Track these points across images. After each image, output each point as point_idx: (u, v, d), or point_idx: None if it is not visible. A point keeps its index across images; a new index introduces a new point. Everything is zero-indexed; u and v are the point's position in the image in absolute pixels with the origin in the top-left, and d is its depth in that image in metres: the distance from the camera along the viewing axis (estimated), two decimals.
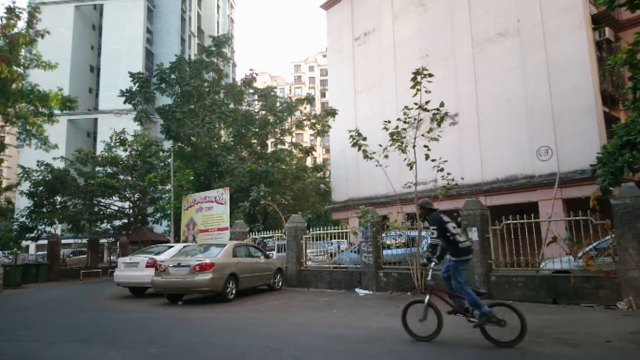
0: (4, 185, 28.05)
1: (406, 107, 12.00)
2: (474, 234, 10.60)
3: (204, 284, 10.92)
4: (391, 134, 12.36)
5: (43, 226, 26.33)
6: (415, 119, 11.87)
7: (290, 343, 6.56)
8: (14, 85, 18.90)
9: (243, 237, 16.86)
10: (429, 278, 6.25)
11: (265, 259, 13.75)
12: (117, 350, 6.42)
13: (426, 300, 6.12)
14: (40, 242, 28.36)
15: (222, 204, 19.32)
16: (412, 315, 6.21)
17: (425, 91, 11.65)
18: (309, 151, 32.44)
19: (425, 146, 11.65)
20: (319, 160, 65.97)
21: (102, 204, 28.57)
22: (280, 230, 17.18)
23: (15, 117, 20.45)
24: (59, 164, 26.87)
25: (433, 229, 6.20)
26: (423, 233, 12.11)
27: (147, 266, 13.09)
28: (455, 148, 20.05)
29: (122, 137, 28.08)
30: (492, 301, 6.36)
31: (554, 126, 18.05)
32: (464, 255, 6.09)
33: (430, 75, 11.75)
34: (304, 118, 29.67)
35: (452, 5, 22.00)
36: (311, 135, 35.67)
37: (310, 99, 29.92)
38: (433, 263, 6.22)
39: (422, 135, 11.93)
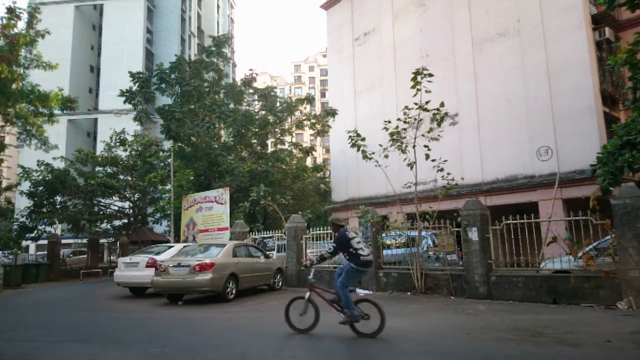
0: (4, 185, 28.06)
1: (406, 107, 11.99)
2: (474, 234, 10.61)
3: (204, 284, 10.92)
4: (391, 134, 12.36)
5: (43, 226, 26.33)
6: (415, 119, 11.87)
7: (290, 343, 6.56)
8: (14, 86, 18.89)
9: (243, 237, 16.86)
10: (311, 277, 7.18)
11: (265, 259, 13.76)
12: (117, 350, 6.42)
13: (306, 297, 6.89)
14: (40, 242, 28.36)
15: (222, 204, 19.32)
16: (294, 310, 6.99)
17: (426, 91, 11.65)
18: (309, 151, 32.42)
19: (426, 146, 11.65)
20: (319, 160, 65.98)
21: (102, 204, 28.58)
22: (280, 230, 17.19)
23: (16, 117, 20.44)
24: (59, 164, 26.87)
25: (332, 246, 6.93)
26: (423, 233, 12.12)
27: (147, 266, 13.09)
28: (455, 148, 20.04)
29: (122, 137, 28.09)
30: (358, 298, 7.01)
31: (554, 126, 18.05)
32: (364, 267, 6.80)
33: (431, 75, 11.74)
34: (304, 118, 29.65)
35: (452, 5, 22.00)
36: (311, 135, 35.69)
37: (310, 99, 29.89)
38: (314, 265, 7.34)
39: (422, 135, 11.93)
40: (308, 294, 6.92)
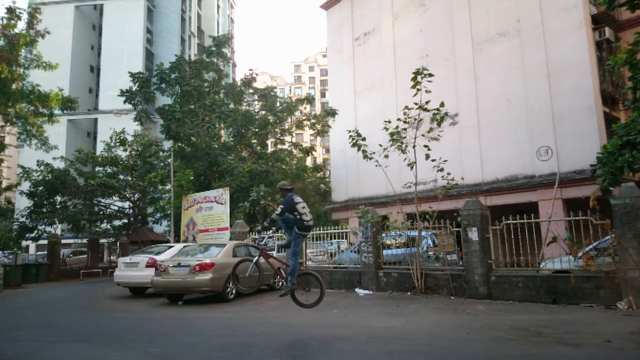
0: (4, 185, 28.04)
1: (406, 107, 12.00)
2: (474, 234, 10.61)
3: (204, 284, 10.92)
4: (391, 134, 12.36)
5: (43, 226, 26.33)
6: (415, 119, 11.87)
7: (290, 343, 6.56)
8: (14, 85, 18.90)
9: (243, 237, 16.85)
10: (262, 243, 7.58)
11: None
12: (117, 350, 6.42)
13: (254, 260, 7.35)
14: (40, 242, 28.35)
15: (222, 204, 19.31)
16: (240, 271, 7.64)
17: (426, 91, 11.65)
18: (309, 151, 32.39)
19: (426, 146, 11.65)
20: (319, 160, 65.97)
21: (102, 204, 28.58)
22: (280, 231, 17.16)
23: (16, 117, 20.44)
24: (59, 164, 26.87)
25: (280, 207, 7.16)
26: (423, 233, 12.12)
27: (147, 266, 13.10)
28: (455, 148, 20.05)
29: (122, 137, 28.09)
30: (302, 270, 7.58)
31: (554, 126, 18.05)
32: (306, 231, 7.29)
33: (431, 75, 11.74)
34: (304, 118, 29.65)
35: (452, 5, 22.00)
36: (311, 135, 35.68)
37: (310, 99, 29.89)
38: (266, 231, 7.62)
39: (422, 135, 11.93)
40: (257, 257, 7.36)
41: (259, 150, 29.96)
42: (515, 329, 6.97)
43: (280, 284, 14.04)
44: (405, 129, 12.21)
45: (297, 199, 7.21)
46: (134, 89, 26.93)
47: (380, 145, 12.37)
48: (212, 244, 13.13)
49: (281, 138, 30.77)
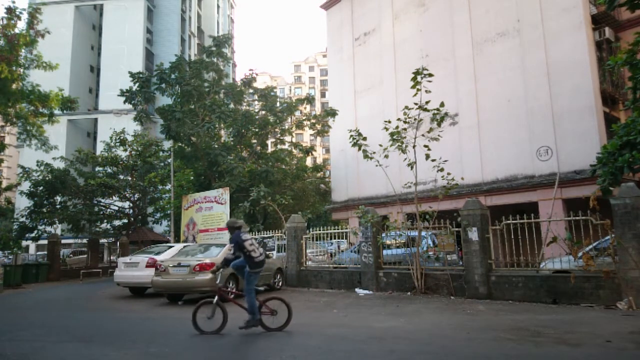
0: (4, 185, 28.02)
1: (406, 107, 12.01)
2: (474, 234, 10.61)
3: (204, 284, 10.92)
4: (391, 134, 12.36)
5: (43, 226, 26.31)
6: (415, 119, 11.88)
7: (290, 343, 6.56)
8: (14, 86, 18.90)
9: None
10: (218, 281, 7.49)
11: (265, 259, 13.73)
12: (117, 350, 6.42)
13: (215, 300, 7.10)
14: (40, 242, 28.34)
15: (222, 204, 19.32)
16: (202, 313, 7.09)
17: (426, 91, 11.65)
18: (309, 151, 32.40)
19: (426, 146, 11.65)
20: (319, 160, 65.98)
21: (102, 204, 28.57)
22: (280, 230, 17.19)
23: (16, 117, 20.43)
24: (59, 164, 26.86)
25: (231, 246, 7.24)
26: (423, 233, 12.12)
27: (147, 266, 13.09)
28: (455, 148, 20.06)
29: (122, 137, 28.07)
30: (268, 296, 7.50)
31: (554, 126, 18.05)
32: (257, 268, 7.28)
33: (431, 75, 11.75)
34: (304, 118, 29.66)
35: (452, 5, 22.00)
36: (311, 135, 35.71)
37: (310, 99, 29.87)
38: (220, 270, 7.49)
39: (422, 135, 11.94)
40: (216, 298, 7.11)
41: (259, 150, 29.96)
42: (515, 329, 6.97)
43: (280, 283, 14.08)
44: (405, 129, 12.21)
45: (245, 236, 7.24)
46: (134, 89, 26.92)
47: (380, 145, 12.37)
48: (212, 244, 13.13)
49: (281, 138, 30.78)
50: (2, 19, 17.93)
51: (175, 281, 11.17)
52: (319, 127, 29.02)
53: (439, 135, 11.97)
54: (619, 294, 8.67)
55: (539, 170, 18.35)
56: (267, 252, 14.95)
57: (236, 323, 7.20)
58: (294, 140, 33.63)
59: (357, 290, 12.59)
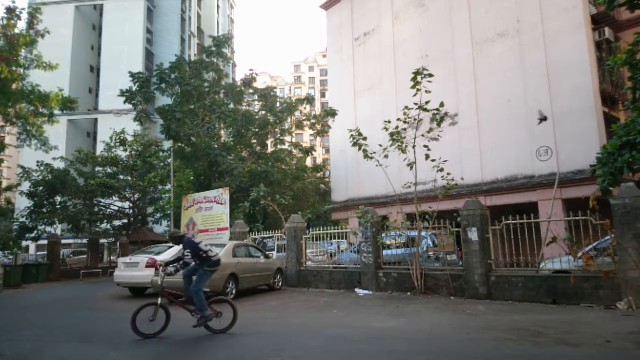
0: (4, 185, 28.05)
1: (406, 107, 12.01)
2: (473, 234, 10.61)
3: None
4: (391, 134, 12.36)
5: (43, 226, 26.30)
6: (415, 119, 11.89)
7: (290, 343, 6.57)
8: (14, 85, 18.90)
9: (243, 237, 16.86)
10: (161, 282, 7.21)
11: (265, 259, 13.76)
12: (117, 350, 6.43)
13: (158, 302, 6.95)
14: (40, 242, 28.34)
15: (221, 204, 19.33)
16: (143, 316, 6.87)
17: (425, 91, 11.66)
18: (308, 151, 32.42)
19: (425, 146, 11.65)
20: (319, 160, 65.98)
21: (102, 204, 28.56)
22: (280, 230, 17.19)
23: (15, 117, 20.43)
24: (59, 164, 26.85)
25: (187, 252, 7.18)
26: (423, 233, 12.12)
27: (147, 266, 13.08)
28: (455, 148, 20.05)
29: (122, 137, 28.06)
30: (214, 298, 7.42)
31: (553, 126, 18.05)
32: (216, 266, 7.34)
33: (430, 75, 11.76)
34: (303, 118, 29.66)
35: (452, 5, 22.00)
36: (311, 135, 35.68)
37: (310, 99, 29.90)
38: (163, 269, 7.32)
39: (422, 135, 11.94)
40: (159, 299, 6.98)
41: (259, 150, 29.97)
42: (515, 329, 6.97)
43: (280, 283, 14.07)
44: (405, 129, 12.21)
45: (197, 239, 7.35)
46: (133, 89, 26.93)
47: (380, 145, 12.37)
48: (212, 244, 13.10)
49: (281, 138, 30.79)
50: (2, 18, 17.93)
51: (174, 281, 11.11)
52: (318, 127, 29.03)
53: (438, 135, 11.97)
54: (619, 294, 8.68)
55: (538, 170, 18.35)
56: (267, 252, 14.98)
57: (235, 325, 7.20)
58: (293, 140, 33.64)
59: (356, 290, 12.59)
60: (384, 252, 12.86)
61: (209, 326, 7.09)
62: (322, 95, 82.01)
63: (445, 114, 12.33)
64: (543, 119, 16.42)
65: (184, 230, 20.98)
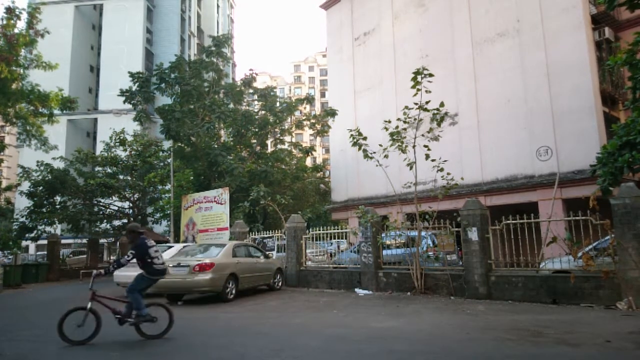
0: (4, 185, 28.04)
1: (406, 107, 12.01)
2: (473, 234, 10.61)
3: (203, 284, 10.92)
4: (391, 134, 12.36)
5: (43, 226, 26.31)
6: (415, 119, 11.88)
7: (290, 343, 6.56)
8: (14, 85, 18.91)
9: (243, 237, 16.86)
10: (91, 286, 6.71)
11: (265, 259, 13.76)
12: (117, 350, 6.43)
13: (88, 306, 6.58)
14: (40, 242, 28.36)
15: (221, 204, 19.32)
16: (71, 321, 6.50)
17: (426, 91, 11.65)
18: (308, 151, 32.41)
19: (425, 146, 11.65)
20: (319, 160, 65.98)
21: (102, 204, 28.57)
22: (280, 230, 17.19)
23: (15, 117, 20.45)
24: (59, 164, 26.86)
25: (131, 252, 6.86)
26: (423, 233, 12.12)
27: None
28: (455, 148, 20.05)
29: (121, 137, 28.08)
30: (149, 301, 7.07)
31: (554, 126, 18.05)
32: (156, 276, 7.03)
33: (431, 75, 11.75)
34: (303, 118, 29.66)
35: (452, 6, 22.00)
36: (311, 135, 35.68)
37: (310, 99, 29.88)
38: (98, 274, 6.84)
39: (422, 135, 11.94)
40: (89, 303, 6.60)
41: (259, 150, 29.96)
42: (515, 329, 6.97)
43: (280, 284, 14.06)
44: (405, 129, 12.21)
45: (150, 242, 7.02)
46: (133, 88, 26.92)
47: (380, 145, 12.37)
48: (212, 244, 13.12)
49: (281, 138, 30.78)
50: (2, 18, 17.94)
51: (175, 281, 11.15)
52: (318, 127, 29.02)
53: (438, 135, 11.97)
54: (619, 294, 8.67)
55: (538, 170, 18.34)
56: (267, 252, 14.97)
57: (235, 325, 7.19)
58: (293, 140, 33.62)
59: (356, 290, 12.59)
60: (384, 252, 12.85)
61: (142, 331, 6.82)
62: (322, 95, 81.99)
63: (446, 114, 12.32)
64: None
65: (184, 231, 21.02)
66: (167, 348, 6.50)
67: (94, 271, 6.96)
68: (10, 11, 17.97)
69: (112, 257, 32.05)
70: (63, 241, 28.50)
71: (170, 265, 11.32)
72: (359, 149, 13.14)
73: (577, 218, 9.69)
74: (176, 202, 22.51)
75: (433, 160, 11.63)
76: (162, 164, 27.64)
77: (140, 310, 6.76)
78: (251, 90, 30.92)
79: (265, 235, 17.37)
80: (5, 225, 26.52)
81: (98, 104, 50.85)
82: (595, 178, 10.14)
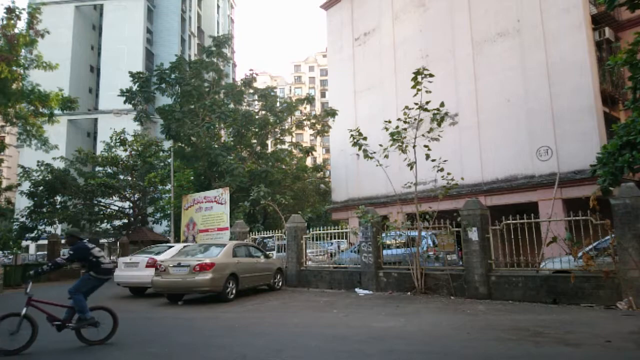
0: (4, 185, 28.04)
1: (406, 107, 12.01)
2: (474, 234, 10.61)
3: (204, 284, 10.92)
4: (391, 134, 12.35)
5: (43, 226, 26.32)
6: (415, 119, 11.88)
7: (290, 343, 6.56)
8: (14, 85, 18.92)
9: (243, 237, 16.86)
10: (28, 290, 6.32)
11: (265, 259, 13.75)
12: (116, 350, 6.43)
13: (23, 312, 6.16)
14: (40, 242, 28.37)
15: (222, 204, 19.32)
16: (3, 329, 6.05)
17: (426, 91, 11.65)
18: (309, 151, 32.42)
19: (426, 146, 11.65)
20: (319, 160, 65.96)
21: (102, 204, 28.58)
22: (280, 230, 17.19)
23: (16, 117, 20.46)
24: (59, 164, 26.87)
25: (69, 253, 6.75)
26: (423, 233, 12.12)
27: (147, 266, 13.08)
28: (455, 148, 20.04)
29: (122, 137, 28.07)
30: (93, 305, 6.80)
31: (554, 126, 18.05)
32: (105, 275, 6.88)
33: (431, 75, 11.76)
34: (304, 118, 29.66)
35: (452, 5, 21.99)
36: (311, 135, 35.68)
37: (310, 99, 29.90)
38: (29, 276, 6.64)
39: (422, 135, 11.94)
40: (25, 309, 6.19)
41: (259, 150, 29.96)
42: (515, 329, 6.97)
43: (280, 284, 14.06)
44: (405, 129, 12.21)
45: (90, 244, 6.91)
46: (134, 89, 26.93)
47: (381, 145, 12.37)
48: (212, 244, 13.12)
49: (281, 138, 30.78)
50: (2, 18, 17.94)
51: (175, 281, 11.16)
52: (319, 127, 29.03)
53: (439, 135, 11.96)
54: (619, 294, 8.67)
55: (538, 170, 18.34)
56: (267, 252, 14.97)
57: (236, 325, 7.18)
58: (294, 140, 33.62)
59: (357, 290, 12.59)
60: (384, 252, 12.85)
61: (84, 337, 6.54)
62: (322, 95, 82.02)
63: (446, 114, 12.32)
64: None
65: (184, 231, 21.02)
66: (168, 348, 6.50)
67: (30, 272, 6.79)
68: (10, 11, 17.98)
69: (112, 257, 32.01)
70: (63, 241, 28.48)
71: (171, 265, 11.34)
72: (359, 149, 13.14)
73: (577, 218, 9.69)
74: (176, 202, 22.52)
75: (433, 160, 11.63)
76: (162, 164, 27.64)
77: (84, 313, 6.50)
78: (251, 90, 30.92)
79: (265, 235, 17.37)
80: (5, 225, 26.52)
81: (98, 104, 50.86)
82: (595, 178, 10.15)
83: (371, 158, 12.86)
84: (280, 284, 14.05)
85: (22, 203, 29.66)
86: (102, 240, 32.69)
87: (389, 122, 12.39)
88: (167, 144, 27.11)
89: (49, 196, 25.76)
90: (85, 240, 6.98)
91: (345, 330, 7.40)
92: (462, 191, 19.06)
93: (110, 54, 50.06)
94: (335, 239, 19.44)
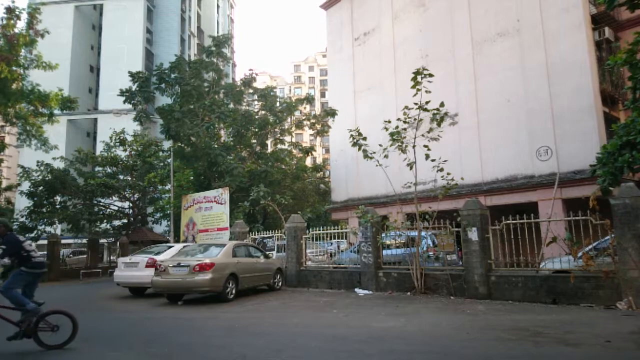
0: (3, 185, 28.06)
1: (406, 107, 12.00)
2: (473, 234, 10.61)
3: (203, 284, 10.92)
4: (391, 134, 12.35)
5: (43, 226, 26.33)
6: (415, 119, 11.88)
7: (290, 343, 6.56)
8: (14, 85, 18.92)
9: (243, 237, 16.85)
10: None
11: (265, 259, 13.76)
12: (116, 350, 6.43)
13: None
14: (40, 242, 28.33)
15: (221, 204, 19.32)
16: None
17: (426, 91, 11.65)
18: (308, 151, 32.42)
19: (425, 146, 11.65)
20: (319, 160, 65.97)
21: (102, 204, 28.58)
22: (280, 230, 17.19)
23: (15, 117, 20.47)
24: (59, 164, 26.87)
25: (2, 248, 6.52)
26: (423, 233, 12.12)
27: (147, 266, 13.08)
28: (455, 148, 20.03)
29: (121, 137, 28.09)
30: (50, 309, 6.61)
31: (553, 126, 18.05)
32: (36, 269, 6.67)
33: (431, 75, 11.75)
34: (303, 118, 29.66)
35: (452, 5, 21.99)
36: (311, 135, 35.69)
37: (310, 99, 29.90)
38: None
39: (422, 135, 11.93)
40: None
41: (259, 150, 29.96)
42: (515, 329, 6.97)
43: (280, 284, 14.05)
44: (405, 129, 12.21)
45: (21, 238, 6.76)
46: (133, 88, 26.93)
47: (380, 145, 12.37)
48: (212, 244, 13.12)
49: (281, 138, 30.78)
50: (2, 19, 17.95)
51: (175, 281, 11.16)
52: (318, 127, 29.03)
53: (438, 135, 11.96)
54: (619, 294, 8.67)
55: (538, 170, 18.34)
56: (267, 252, 14.97)
57: (236, 325, 7.18)
58: (293, 140, 33.61)
59: (356, 290, 12.58)
60: (384, 252, 12.85)
61: (41, 341, 6.33)
62: (322, 95, 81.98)
63: (446, 114, 12.31)
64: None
65: (184, 231, 21.02)
66: (168, 348, 6.49)
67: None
68: (10, 11, 17.99)
69: (112, 257, 32.00)
70: (63, 241, 28.45)
71: (170, 265, 11.34)
72: (359, 149, 13.13)
73: (577, 218, 9.69)
74: (176, 202, 22.52)
75: (433, 160, 11.63)
76: (162, 164, 27.65)
77: (25, 305, 6.33)
78: (251, 90, 30.92)
79: (265, 235, 17.36)
80: None
81: (98, 104, 50.85)
82: (595, 178, 10.14)
83: (371, 158, 12.86)
84: (280, 284, 14.04)
85: (22, 203, 29.67)
86: (102, 241, 32.65)
87: (389, 122, 12.39)
88: (167, 144, 27.11)
89: (49, 196, 25.77)
90: (15, 233, 6.77)
91: (345, 330, 7.40)
92: (462, 191, 19.06)
93: (110, 54, 50.06)
94: (335, 239, 19.44)
